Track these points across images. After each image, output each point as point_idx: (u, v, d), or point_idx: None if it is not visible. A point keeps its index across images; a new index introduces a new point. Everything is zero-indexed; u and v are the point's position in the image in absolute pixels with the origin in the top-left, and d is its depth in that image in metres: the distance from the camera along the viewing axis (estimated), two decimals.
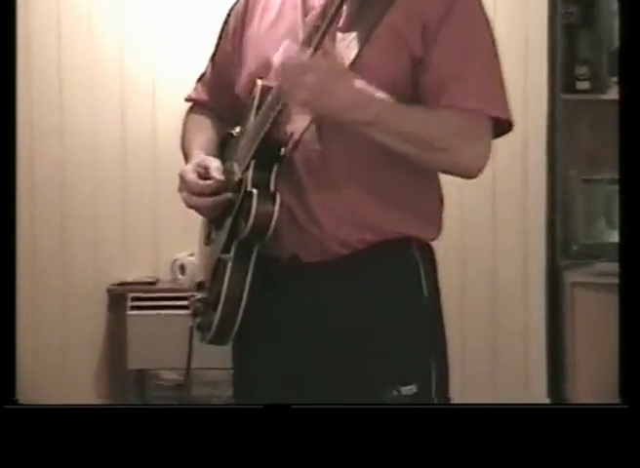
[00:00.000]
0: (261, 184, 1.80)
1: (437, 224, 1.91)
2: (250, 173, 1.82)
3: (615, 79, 4.01)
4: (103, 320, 3.89)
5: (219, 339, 1.89)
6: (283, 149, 1.82)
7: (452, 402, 2.00)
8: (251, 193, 1.79)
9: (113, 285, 3.83)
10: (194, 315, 1.96)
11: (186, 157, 2.02)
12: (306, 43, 1.73)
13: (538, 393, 3.87)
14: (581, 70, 4.05)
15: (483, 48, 1.80)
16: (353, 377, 1.83)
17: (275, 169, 1.81)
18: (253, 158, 1.81)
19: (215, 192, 1.88)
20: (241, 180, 1.83)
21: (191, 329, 1.97)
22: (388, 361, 1.85)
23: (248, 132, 1.87)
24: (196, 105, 2.10)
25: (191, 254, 3.63)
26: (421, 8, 1.75)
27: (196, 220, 2.03)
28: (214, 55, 2.06)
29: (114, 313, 3.81)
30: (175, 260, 3.74)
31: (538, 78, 3.82)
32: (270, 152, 1.81)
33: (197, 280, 2.03)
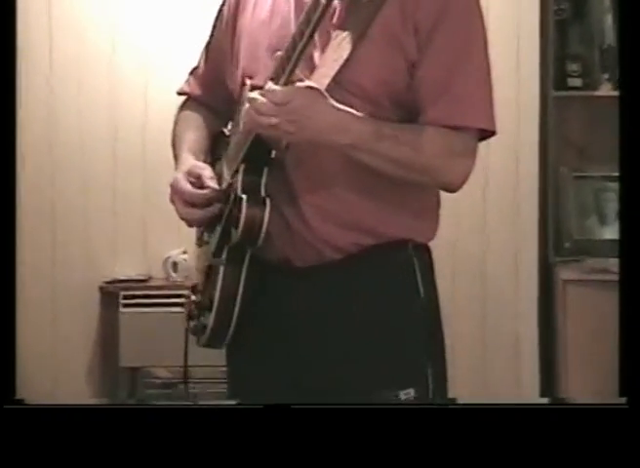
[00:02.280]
0: (252, 189, 1.78)
1: (434, 225, 1.89)
2: (240, 177, 1.78)
3: (606, 76, 4.00)
4: (96, 317, 3.90)
5: (213, 343, 1.87)
6: (274, 152, 1.78)
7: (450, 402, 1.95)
8: (240, 199, 1.76)
9: (105, 282, 3.83)
10: (189, 317, 1.95)
11: (175, 157, 1.98)
12: (279, 72, 1.71)
13: (530, 390, 3.87)
14: (573, 67, 4.03)
15: (476, 56, 1.78)
16: (350, 381, 1.81)
17: (265, 172, 1.78)
18: (242, 162, 1.78)
19: (208, 203, 1.86)
20: (231, 185, 1.81)
21: (187, 330, 1.97)
22: (385, 365, 1.83)
23: (236, 135, 1.85)
24: (189, 100, 2.06)
25: (184, 252, 3.64)
26: (414, 7, 1.71)
27: None
28: (207, 46, 2.02)
29: (106, 311, 3.82)
30: (167, 258, 3.73)
31: (529, 75, 3.83)
32: (260, 155, 1.78)
33: (191, 282, 2.00)
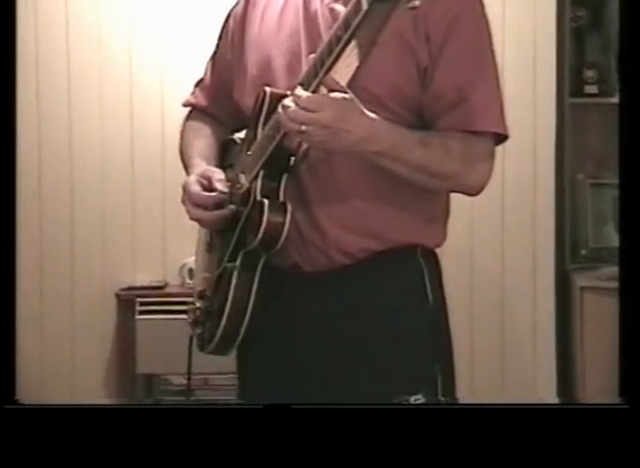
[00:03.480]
0: (271, 194, 1.77)
1: (442, 231, 1.88)
2: (259, 183, 1.78)
3: (622, 83, 3.98)
4: (112, 324, 3.92)
5: (221, 350, 1.87)
6: (292, 159, 1.78)
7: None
8: (262, 203, 1.75)
9: (122, 289, 3.84)
10: (194, 324, 1.94)
11: (186, 165, 1.99)
12: (310, 77, 1.69)
13: (547, 396, 3.85)
14: (590, 74, 4.04)
15: (487, 63, 1.80)
16: (359, 387, 1.80)
17: (284, 179, 1.78)
18: (262, 168, 1.77)
19: (218, 205, 1.85)
20: (249, 190, 1.80)
21: (191, 337, 1.96)
22: (394, 370, 1.82)
23: (257, 141, 1.83)
24: (195, 111, 2.08)
25: None
26: (425, 14, 1.71)
27: None
28: (213, 59, 2.04)
29: (123, 317, 3.84)
30: (183, 265, 3.73)
31: (546, 82, 3.84)
32: (280, 162, 1.78)
33: (198, 288, 1.98)
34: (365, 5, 1.51)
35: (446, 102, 1.76)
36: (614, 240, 4.10)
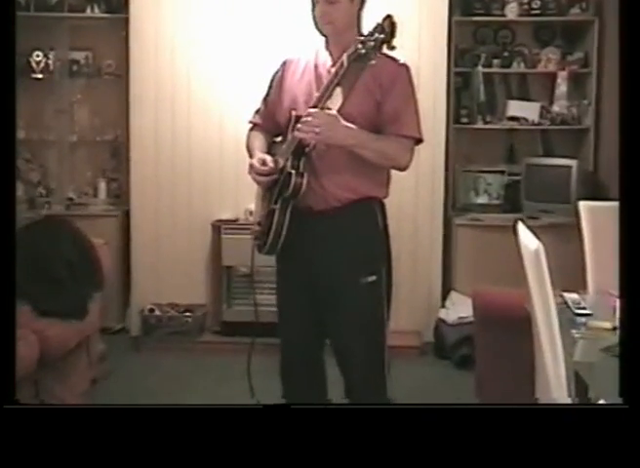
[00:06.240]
0: (296, 168, 2.35)
1: (387, 189, 2.46)
2: (289, 162, 2.36)
3: (480, 117, 5.29)
4: (209, 240, 5.22)
5: (270, 252, 2.46)
6: (307, 149, 2.34)
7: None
8: (290, 173, 2.33)
9: (214, 221, 5.13)
10: (255, 239, 2.50)
11: (250, 153, 2.55)
12: (317, 103, 2.28)
13: (434, 281, 5.08)
14: (463, 112, 5.44)
15: (412, 99, 2.42)
16: (343, 271, 2.40)
17: (303, 160, 2.37)
18: (291, 154, 2.38)
19: (269, 174, 2.41)
20: (284, 166, 2.37)
21: (253, 246, 2.52)
22: (362, 262, 2.40)
23: (288, 140, 2.41)
24: (254, 126, 2.66)
25: None
26: (379, 75, 2.30)
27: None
28: (265, 100, 2.64)
29: (215, 237, 5.14)
30: (247, 208, 4.88)
31: (441, 116, 5.00)
32: (300, 151, 2.37)
33: (257, 220, 2.53)
34: (345, 63, 2.19)
35: (389, 120, 2.33)
36: (473, 200, 5.45)
